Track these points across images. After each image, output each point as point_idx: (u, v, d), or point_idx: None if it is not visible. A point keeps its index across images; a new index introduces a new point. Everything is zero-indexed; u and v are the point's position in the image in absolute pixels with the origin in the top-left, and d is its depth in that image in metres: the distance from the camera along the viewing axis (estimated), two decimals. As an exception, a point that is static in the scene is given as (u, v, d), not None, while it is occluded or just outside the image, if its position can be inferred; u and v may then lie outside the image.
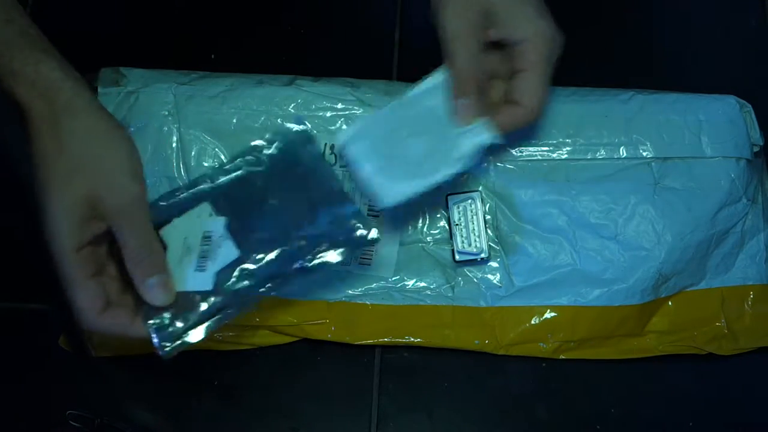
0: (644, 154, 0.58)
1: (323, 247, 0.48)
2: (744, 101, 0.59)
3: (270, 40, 0.67)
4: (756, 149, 0.59)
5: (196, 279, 0.48)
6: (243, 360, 0.57)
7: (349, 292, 0.57)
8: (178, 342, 0.46)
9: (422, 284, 0.57)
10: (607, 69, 0.65)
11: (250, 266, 0.48)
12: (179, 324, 0.46)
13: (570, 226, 0.57)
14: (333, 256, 0.48)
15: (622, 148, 0.58)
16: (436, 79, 0.50)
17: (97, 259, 0.45)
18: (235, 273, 0.48)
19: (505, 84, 0.50)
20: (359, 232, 0.48)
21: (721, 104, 0.59)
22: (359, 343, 0.56)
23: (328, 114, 0.59)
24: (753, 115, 0.59)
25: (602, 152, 0.58)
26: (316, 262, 0.48)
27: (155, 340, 0.46)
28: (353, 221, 0.48)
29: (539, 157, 0.58)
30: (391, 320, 0.57)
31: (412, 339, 0.56)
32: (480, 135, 0.49)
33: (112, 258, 0.46)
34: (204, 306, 0.47)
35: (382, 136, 0.50)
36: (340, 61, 0.64)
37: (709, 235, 0.57)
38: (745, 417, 0.57)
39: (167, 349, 0.46)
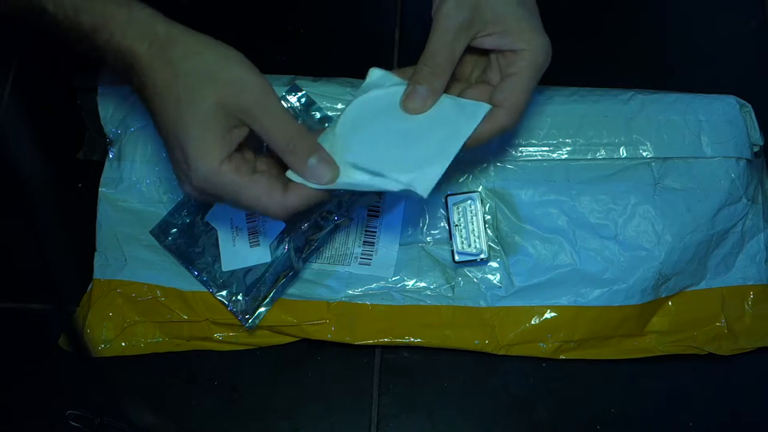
0: (644, 154, 0.58)
1: (356, 197, 0.55)
2: (744, 101, 0.59)
3: (270, 40, 0.67)
4: (756, 149, 0.59)
5: (253, 254, 0.56)
6: (243, 360, 0.57)
7: (349, 292, 0.57)
8: (256, 314, 0.55)
9: (422, 284, 0.57)
10: (607, 69, 0.65)
11: (295, 231, 0.55)
12: (253, 299, 0.55)
13: (570, 226, 0.57)
14: (371, 200, 0.58)
15: (622, 148, 0.58)
16: (377, 73, 0.50)
17: (247, 162, 0.45)
18: (285, 241, 0.55)
19: (464, 87, 0.50)
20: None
21: (721, 104, 0.59)
22: (359, 343, 0.56)
23: (329, 114, 0.59)
24: (753, 115, 0.59)
25: (602, 152, 0.58)
26: (353, 210, 0.56)
27: (238, 318, 0.55)
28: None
29: (539, 157, 0.58)
30: (391, 320, 0.57)
31: (412, 339, 0.56)
32: (473, 107, 0.48)
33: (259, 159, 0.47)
34: (267, 276, 0.55)
35: (361, 134, 0.48)
36: (340, 61, 0.64)
37: (709, 235, 0.57)
38: (745, 417, 0.57)
39: (249, 322, 0.55)
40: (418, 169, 0.46)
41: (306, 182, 0.45)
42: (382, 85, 0.50)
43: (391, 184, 0.46)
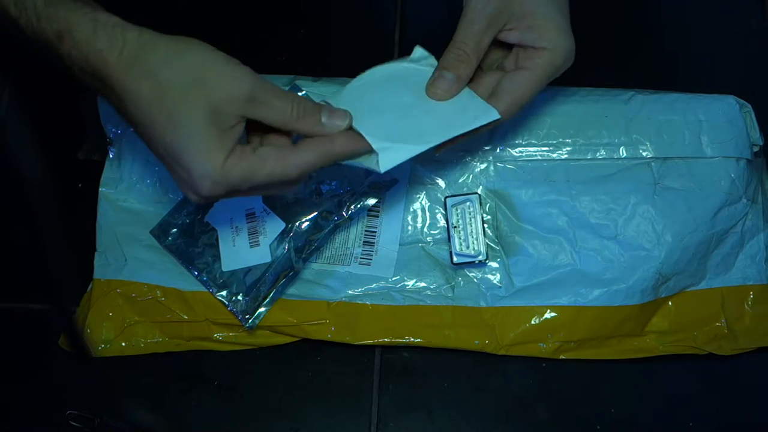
0: (644, 154, 0.58)
1: (356, 198, 0.56)
2: (744, 101, 0.59)
3: (270, 40, 0.67)
4: (756, 149, 0.59)
5: (253, 254, 0.56)
6: (243, 360, 0.57)
7: (349, 292, 0.57)
8: (256, 314, 0.56)
9: (422, 284, 0.57)
10: (607, 69, 0.65)
11: (295, 232, 0.56)
12: (253, 299, 0.55)
13: (570, 226, 0.57)
14: (370, 201, 0.57)
15: (622, 148, 0.58)
16: (422, 52, 0.50)
17: (251, 144, 0.44)
18: (285, 241, 0.56)
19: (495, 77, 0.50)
20: (381, 179, 0.56)
21: (720, 104, 0.59)
22: (359, 343, 0.56)
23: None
24: (753, 115, 0.59)
25: (602, 152, 0.58)
26: (353, 210, 0.56)
27: (238, 318, 0.55)
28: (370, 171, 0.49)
29: (539, 157, 0.58)
30: (391, 320, 0.57)
31: (412, 339, 0.56)
32: (481, 109, 0.47)
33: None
34: (267, 276, 0.55)
35: (369, 95, 0.48)
36: (340, 61, 0.64)
37: (709, 235, 0.57)
38: (745, 417, 0.57)
39: (249, 322, 0.55)
40: (391, 142, 0.45)
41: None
42: (419, 62, 0.50)
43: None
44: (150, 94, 0.40)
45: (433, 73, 0.48)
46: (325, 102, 0.48)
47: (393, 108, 0.48)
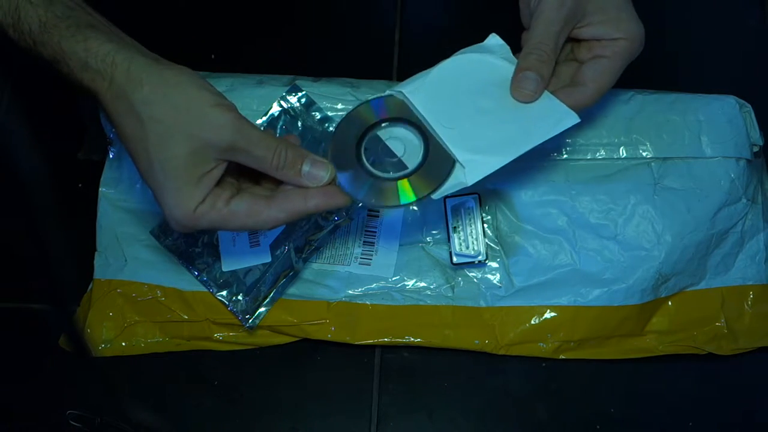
0: (644, 154, 0.58)
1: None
2: (744, 101, 0.59)
3: (270, 40, 0.67)
4: (756, 149, 0.59)
5: (253, 254, 0.56)
6: (243, 360, 0.57)
7: (349, 292, 0.57)
8: (256, 314, 0.55)
9: (422, 284, 0.57)
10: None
11: (295, 232, 0.55)
12: (253, 299, 0.55)
13: (570, 226, 0.57)
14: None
15: (621, 148, 0.58)
16: (497, 40, 0.50)
17: (226, 190, 0.44)
18: (285, 241, 0.55)
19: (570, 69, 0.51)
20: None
21: (720, 104, 0.59)
22: (359, 343, 0.56)
23: (329, 114, 0.59)
24: (753, 115, 0.59)
25: (602, 152, 0.58)
26: (353, 210, 0.56)
27: (238, 318, 0.55)
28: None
29: (539, 157, 0.58)
30: (391, 320, 0.57)
31: (412, 339, 0.56)
32: (561, 114, 0.47)
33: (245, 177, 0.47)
34: (267, 276, 0.55)
35: (448, 93, 0.48)
36: (340, 61, 0.64)
37: (709, 235, 0.57)
38: (745, 417, 0.57)
39: (249, 322, 0.55)
40: (477, 154, 0.45)
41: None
42: (495, 54, 0.50)
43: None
44: (132, 131, 0.42)
45: (515, 73, 0.48)
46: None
47: (473, 112, 0.47)
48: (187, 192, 0.42)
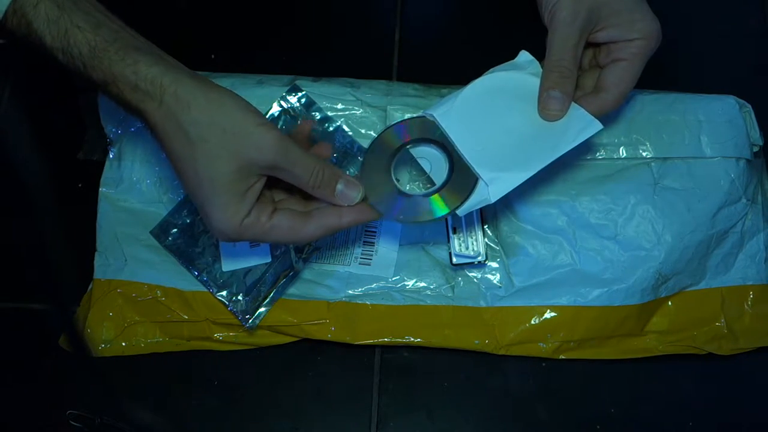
0: (644, 154, 0.58)
1: None
2: (744, 101, 0.59)
3: (270, 40, 0.67)
4: (756, 149, 0.59)
5: (254, 255, 0.56)
6: (243, 360, 0.57)
7: (349, 292, 0.57)
8: (256, 314, 0.56)
9: (422, 284, 0.57)
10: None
11: None
12: (253, 299, 0.56)
13: (570, 226, 0.57)
14: None
15: (621, 148, 0.58)
16: (527, 56, 0.51)
17: (267, 204, 0.47)
18: None
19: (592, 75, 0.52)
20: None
21: (720, 104, 0.59)
22: (359, 343, 0.56)
23: (329, 114, 0.59)
24: (753, 115, 0.59)
25: (602, 152, 0.58)
26: None
27: (238, 318, 0.55)
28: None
29: (539, 157, 0.58)
30: (391, 320, 0.57)
31: (412, 339, 0.56)
32: (584, 123, 0.48)
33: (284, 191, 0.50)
34: (267, 276, 0.56)
35: (476, 114, 0.50)
36: (340, 61, 0.64)
37: (709, 235, 0.57)
38: (745, 417, 0.57)
39: (249, 322, 0.56)
40: (500, 171, 0.47)
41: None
42: (524, 70, 0.51)
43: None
44: (181, 149, 0.44)
45: (540, 93, 0.49)
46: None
47: (500, 131, 0.49)
48: (234, 206, 0.45)
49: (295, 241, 0.48)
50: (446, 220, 0.57)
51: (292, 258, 0.55)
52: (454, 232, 0.57)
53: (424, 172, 0.51)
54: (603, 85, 0.50)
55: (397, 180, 0.50)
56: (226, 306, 0.56)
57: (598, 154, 0.58)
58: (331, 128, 0.58)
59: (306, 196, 0.49)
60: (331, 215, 0.48)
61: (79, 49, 0.43)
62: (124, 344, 0.57)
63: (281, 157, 0.45)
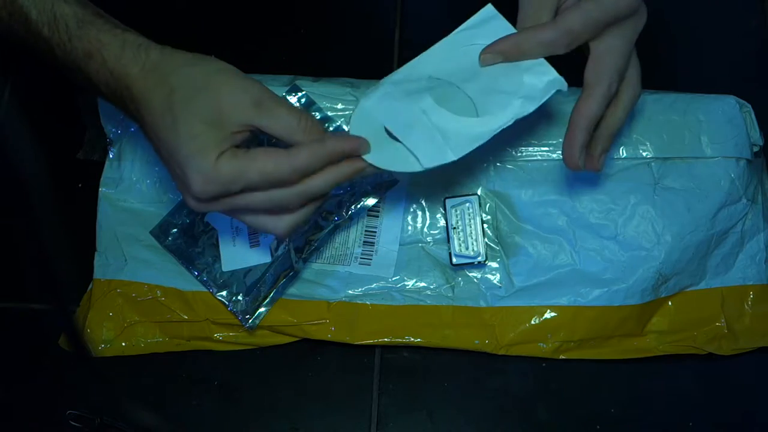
0: (644, 154, 0.58)
1: (356, 198, 0.56)
2: (744, 101, 0.59)
3: (270, 40, 0.67)
4: (756, 149, 0.59)
5: (253, 255, 0.56)
6: (243, 360, 0.57)
7: (349, 292, 0.57)
8: (256, 314, 0.56)
9: (422, 284, 0.57)
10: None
11: (295, 232, 0.53)
12: (253, 299, 0.55)
13: (570, 226, 0.57)
14: (370, 201, 0.57)
15: (622, 148, 0.58)
16: (481, 15, 0.48)
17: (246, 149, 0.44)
18: (285, 241, 0.55)
19: None
20: (383, 178, 0.56)
21: (720, 104, 0.59)
22: (359, 343, 0.56)
23: (329, 114, 0.59)
24: (753, 115, 0.59)
25: (602, 152, 0.58)
26: (353, 210, 0.56)
27: (238, 318, 0.55)
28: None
29: (539, 157, 0.58)
30: (391, 320, 0.57)
31: (412, 339, 0.56)
32: (545, 75, 0.45)
33: None
34: (267, 276, 0.56)
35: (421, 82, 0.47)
36: (340, 61, 0.64)
37: (709, 236, 0.57)
38: (745, 417, 0.57)
39: (249, 322, 0.55)
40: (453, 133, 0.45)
41: None
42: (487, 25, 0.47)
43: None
44: (161, 99, 0.43)
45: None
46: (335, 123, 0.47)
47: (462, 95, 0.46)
48: (209, 145, 0.42)
49: (279, 171, 0.42)
50: (446, 220, 0.57)
51: (292, 258, 0.55)
52: (454, 231, 0.57)
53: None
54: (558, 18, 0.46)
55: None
56: (226, 306, 0.56)
57: (598, 154, 0.58)
58: (330, 128, 0.58)
59: None
60: (329, 142, 0.43)
61: (66, 20, 0.44)
62: (124, 344, 0.57)
63: (266, 96, 0.43)
